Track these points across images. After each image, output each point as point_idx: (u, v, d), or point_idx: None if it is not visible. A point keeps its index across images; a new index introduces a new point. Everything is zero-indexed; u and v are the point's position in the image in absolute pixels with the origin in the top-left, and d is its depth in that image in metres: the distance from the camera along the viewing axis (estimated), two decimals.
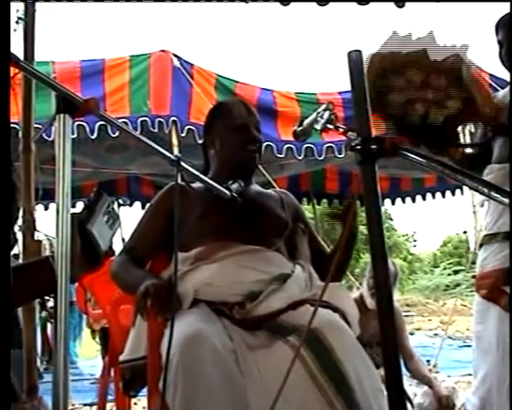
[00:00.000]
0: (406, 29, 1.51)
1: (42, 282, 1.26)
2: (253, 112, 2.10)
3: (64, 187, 1.15)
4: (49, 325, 7.30)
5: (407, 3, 2.98)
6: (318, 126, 1.48)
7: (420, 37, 1.41)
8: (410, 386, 3.24)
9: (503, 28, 2.21)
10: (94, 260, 1.30)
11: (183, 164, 1.61)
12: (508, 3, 2.22)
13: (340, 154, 5.11)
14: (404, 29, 1.52)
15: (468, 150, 2.20)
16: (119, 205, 6.72)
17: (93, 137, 4.35)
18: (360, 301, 3.17)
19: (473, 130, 2.26)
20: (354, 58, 1.18)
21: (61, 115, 1.17)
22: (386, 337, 1.10)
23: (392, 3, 2.98)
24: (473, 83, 1.43)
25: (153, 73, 4.73)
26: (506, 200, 1.05)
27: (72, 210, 1.20)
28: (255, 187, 2.11)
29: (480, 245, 2.27)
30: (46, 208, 6.00)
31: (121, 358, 1.81)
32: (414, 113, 1.42)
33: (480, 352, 2.21)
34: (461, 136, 1.77)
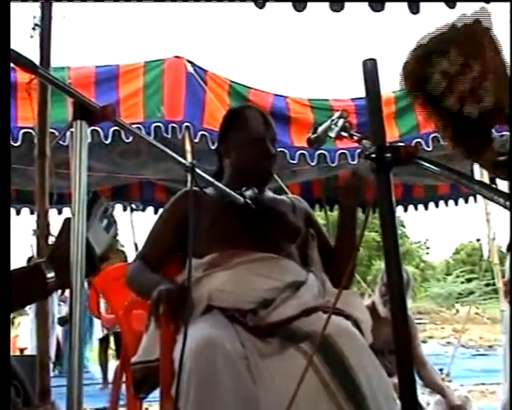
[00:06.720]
0: (421, 36, 1.52)
1: (33, 289, 1.24)
2: (270, 124, 2.05)
3: (80, 193, 1.16)
4: (59, 329, 7.34)
5: (421, 11, 2.98)
6: (332, 134, 1.48)
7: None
8: (422, 395, 3.22)
9: None
10: (89, 265, 1.24)
11: (197, 170, 1.61)
12: (508, 3, 2.20)
13: (352, 160, 5.10)
14: (419, 36, 1.53)
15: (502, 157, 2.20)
16: (132, 210, 6.76)
17: (107, 142, 4.38)
18: (372, 309, 3.15)
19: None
20: (369, 67, 1.18)
21: (78, 122, 1.18)
22: (400, 345, 1.09)
23: (406, 10, 2.98)
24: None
25: (166, 78, 4.76)
26: None
27: None
28: (268, 193, 2.09)
29: (509, 250, 2.23)
30: (60, 213, 6.04)
31: (133, 359, 1.81)
32: (450, 102, 1.44)
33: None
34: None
